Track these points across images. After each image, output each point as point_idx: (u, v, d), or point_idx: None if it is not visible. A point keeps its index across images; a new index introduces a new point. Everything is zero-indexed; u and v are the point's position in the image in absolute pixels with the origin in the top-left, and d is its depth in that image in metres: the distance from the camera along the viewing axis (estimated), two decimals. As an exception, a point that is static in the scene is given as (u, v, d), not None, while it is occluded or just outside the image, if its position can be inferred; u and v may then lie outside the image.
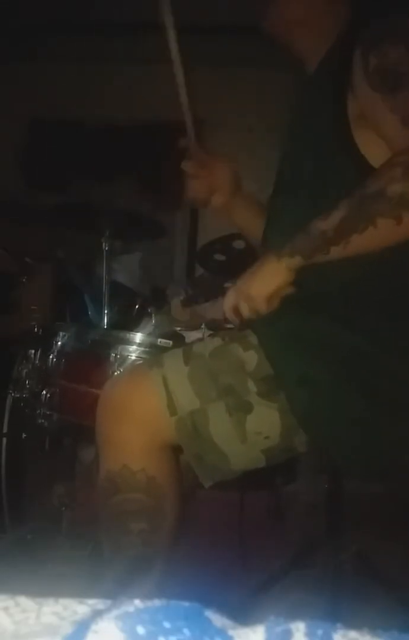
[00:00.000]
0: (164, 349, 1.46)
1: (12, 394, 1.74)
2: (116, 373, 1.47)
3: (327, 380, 1.04)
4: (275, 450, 1.07)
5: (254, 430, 1.05)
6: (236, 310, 1.06)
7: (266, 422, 1.05)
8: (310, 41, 1.15)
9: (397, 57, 0.95)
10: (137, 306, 2.29)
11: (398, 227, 0.92)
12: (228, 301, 1.07)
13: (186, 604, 0.32)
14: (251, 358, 1.08)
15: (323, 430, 1.06)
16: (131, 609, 0.32)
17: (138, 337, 1.54)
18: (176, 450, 1.10)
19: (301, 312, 1.07)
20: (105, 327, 1.88)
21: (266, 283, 1.02)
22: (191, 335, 1.78)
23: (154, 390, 1.07)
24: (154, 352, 1.47)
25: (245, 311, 1.05)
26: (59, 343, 1.61)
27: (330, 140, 1.04)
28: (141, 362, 1.45)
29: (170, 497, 1.08)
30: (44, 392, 1.58)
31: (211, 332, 1.77)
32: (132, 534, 1.06)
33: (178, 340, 1.65)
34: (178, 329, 1.95)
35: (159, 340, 1.52)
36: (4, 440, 1.90)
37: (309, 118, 1.12)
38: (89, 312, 2.17)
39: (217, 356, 1.09)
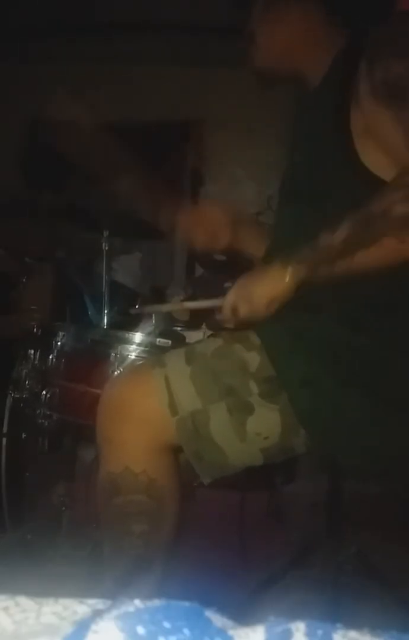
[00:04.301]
0: (163, 349, 1.46)
1: (12, 395, 1.74)
2: (115, 373, 1.47)
3: (330, 381, 1.04)
4: (274, 450, 1.07)
5: (255, 431, 1.05)
6: (235, 309, 1.06)
7: (266, 423, 1.05)
8: (305, 65, 1.15)
9: (402, 71, 0.96)
10: (137, 306, 2.28)
11: (403, 245, 0.93)
12: (229, 299, 1.06)
13: (186, 604, 0.32)
14: (253, 359, 1.08)
15: (326, 431, 1.06)
16: (131, 609, 0.32)
17: (137, 337, 1.54)
18: (176, 450, 1.10)
19: (304, 313, 1.08)
20: (105, 327, 1.88)
21: (268, 288, 1.02)
22: (192, 335, 1.78)
23: (156, 390, 1.07)
24: (153, 352, 1.47)
25: (243, 312, 1.05)
26: (59, 343, 1.61)
27: (333, 152, 1.05)
28: (142, 362, 1.46)
29: (171, 498, 1.08)
30: (44, 392, 1.58)
31: (212, 332, 1.77)
32: (134, 535, 1.06)
33: (177, 339, 1.65)
34: (178, 328, 1.95)
35: (158, 339, 1.52)
36: (4, 440, 1.90)
37: (313, 131, 1.12)
38: (89, 312, 2.17)
39: (219, 356, 1.09)
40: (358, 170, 1.02)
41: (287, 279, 1.00)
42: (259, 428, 1.05)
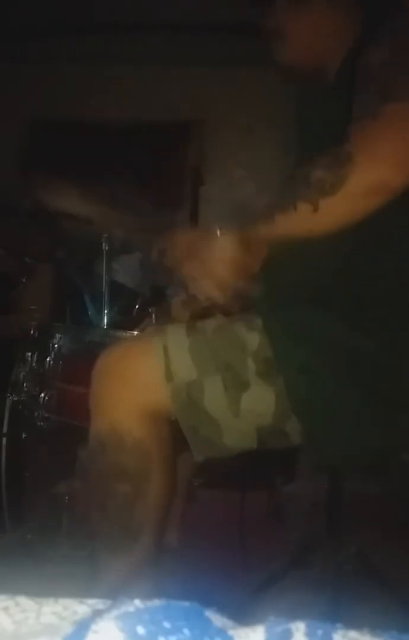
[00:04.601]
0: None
1: (11, 397, 1.74)
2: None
3: (326, 373, 1.05)
4: (268, 430, 1.07)
5: (248, 408, 1.05)
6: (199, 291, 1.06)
7: (261, 401, 1.06)
8: (327, 56, 1.15)
9: (378, 58, 0.97)
10: (137, 306, 2.29)
11: (315, 214, 0.94)
12: (197, 289, 1.06)
13: (186, 604, 0.32)
14: (253, 339, 1.08)
15: (317, 420, 1.06)
16: (131, 609, 0.32)
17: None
18: (170, 424, 1.10)
19: (309, 306, 1.08)
20: (105, 327, 1.87)
21: (217, 259, 1.03)
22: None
23: (153, 356, 1.07)
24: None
25: (209, 290, 1.04)
26: (56, 345, 1.61)
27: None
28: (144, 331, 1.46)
29: (157, 463, 1.08)
30: (42, 394, 1.58)
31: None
32: (117, 496, 1.06)
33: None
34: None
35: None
36: (4, 440, 1.90)
37: (321, 125, 1.13)
38: (89, 313, 2.17)
39: (219, 333, 1.10)
40: None
41: (227, 245, 1.01)
42: (253, 405, 1.05)
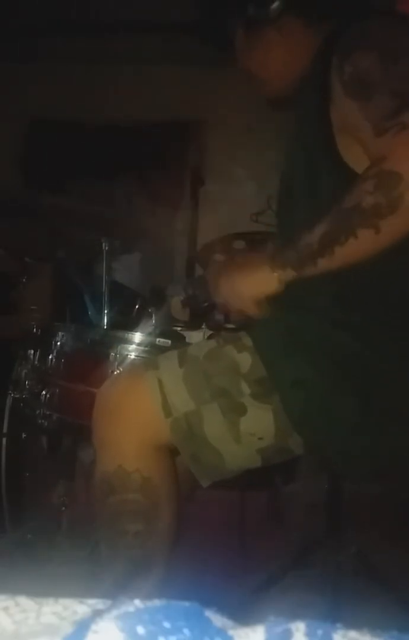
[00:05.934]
0: (163, 349, 1.46)
1: (12, 395, 1.74)
2: (115, 373, 1.47)
3: (321, 382, 1.04)
4: (270, 451, 1.07)
5: (248, 431, 1.05)
6: (227, 305, 1.12)
7: (259, 423, 1.05)
8: (300, 72, 1.15)
9: (369, 65, 0.96)
10: (137, 306, 2.29)
11: (378, 235, 0.93)
12: (221, 293, 1.11)
13: (186, 604, 0.32)
14: (245, 360, 1.08)
15: (317, 433, 1.06)
16: (131, 609, 0.32)
17: (137, 337, 1.54)
18: (172, 451, 1.10)
19: (296, 314, 1.08)
20: (105, 327, 1.87)
21: (255, 289, 1.06)
22: (192, 335, 1.78)
23: (149, 392, 1.07)
24: (153, 352, 1.47)
25: (234, 307, 1.11)
26: (58, 343, 1.61)
27: (317, 149, 1.06)
28: (136, 364, 1.46)
29: (166, 498, 1.08)
30: (44, 392, 1.58)
31: (212, 332, 1.77)
32: (128, 534, 1.06)
33: (177, 339, 1.65)
34: (178, 328, 1.95)
35: (158, 339, 1.52)
36: (4, 440, 1.90)
37: (299, 131, 1.13)
38: (89, 312, 2.17)
39: (211, 358, 1.10)
40: (340, 169, 1.02)
41: (274, 282, 1.03)
42: (252, 428, 1.05)
